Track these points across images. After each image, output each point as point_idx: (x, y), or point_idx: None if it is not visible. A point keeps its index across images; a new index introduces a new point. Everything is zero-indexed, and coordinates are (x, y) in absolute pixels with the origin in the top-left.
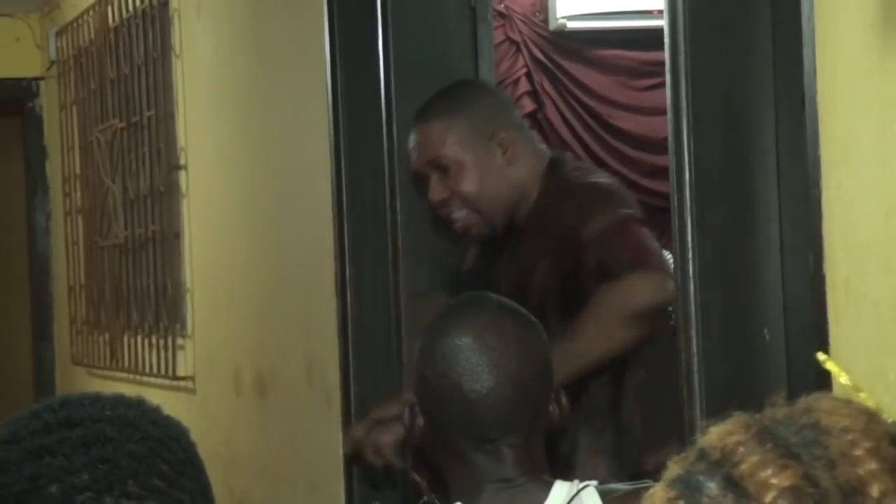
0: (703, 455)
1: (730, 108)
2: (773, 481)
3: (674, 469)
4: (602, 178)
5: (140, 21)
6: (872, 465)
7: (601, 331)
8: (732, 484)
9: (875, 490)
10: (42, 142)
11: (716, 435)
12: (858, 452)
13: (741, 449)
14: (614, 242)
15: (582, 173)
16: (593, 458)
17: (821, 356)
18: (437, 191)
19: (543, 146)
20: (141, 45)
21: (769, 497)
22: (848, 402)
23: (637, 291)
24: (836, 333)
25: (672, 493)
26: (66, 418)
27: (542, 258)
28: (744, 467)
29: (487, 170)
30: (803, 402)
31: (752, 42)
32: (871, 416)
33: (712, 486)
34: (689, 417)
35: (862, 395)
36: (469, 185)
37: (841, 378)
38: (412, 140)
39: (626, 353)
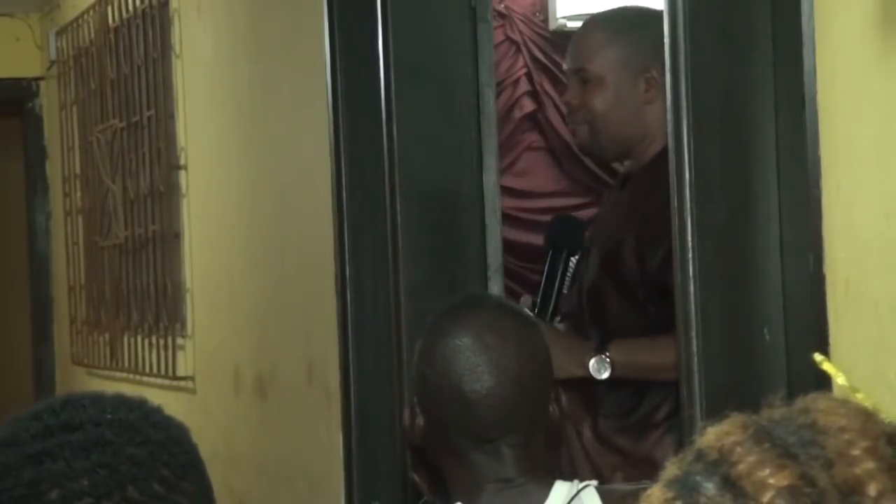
0: (700, 455)
1: (730, 108)
2: (771, 481)
3: (671, 469)
4: None
5: (140, 21)
6: (870, 465)
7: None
8: (730, 484)
9: (873, 489)
10: (42, 142)
11: (713, 435)
12: (856, 452)
13: (738, 449)
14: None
15: None
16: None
17: (818, 357)
18: (570, 94)
19: None
20: (141, 45)
21: (767, 497)
22: (845, 402)
23: None
24: (836, 333)
25: (669, 494)
26: (66, 421)
27: (629, 228)
28: (741, 467)
29: (623, 98)
30: (800, 402)
31: (752, 42)
32: (868, 416)
33: (710, 487)
34: (689, 417)
35: (859, 396)
36: (600, 103)
37: (838, 379)
38: (572, 39)
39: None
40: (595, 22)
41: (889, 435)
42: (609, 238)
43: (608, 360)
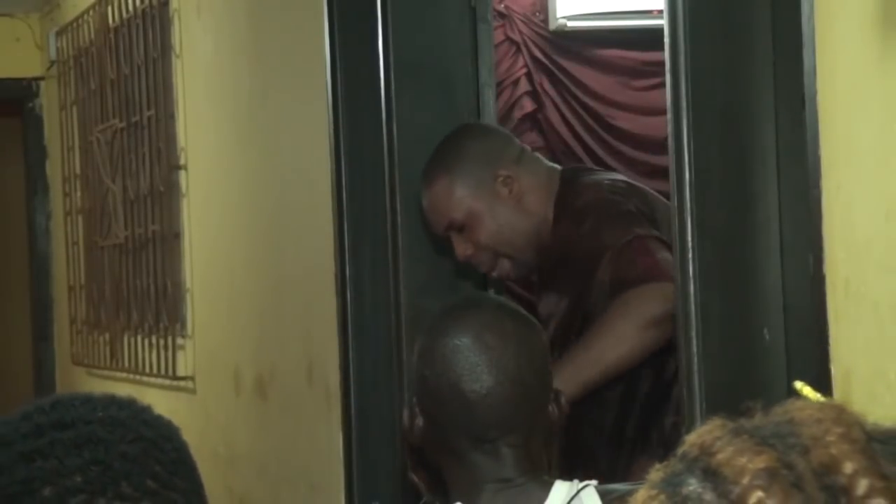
0: (682, 457)
1: (730, 108)
2: (749, 465)
3: (656, 475)
4: (618, 186)
5: (140, 21)
6: (844, 446)
7: (615, 338)
8: (710, 473)
9: (848, 468)
10: (42, 142)
11: (694, 436)
12: (831, 437)
13: (718, 442)
14: (627, 259)
15: (595, 188)
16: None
17: (797, 384)
18: (461, 249)
19: (551, 165)
20: (141, 45)
21: (746, 479)
22: (820, 402)
23: (650, 299)
24: (836, 333)
25: (653, 492)
26: (57, 420)
27: (565, 291)
28: (720, 456)
29: (499, 213)
30: (780, 406)
31: (752, 42)
32: (841, 409)
33: (692, 481)
34: (689, 417)
35: None
36: (487, 234)
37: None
38: (424, 205)
39: (641, 361)
40: (430, 175)
41: (862, 424)
42: (559, 290)
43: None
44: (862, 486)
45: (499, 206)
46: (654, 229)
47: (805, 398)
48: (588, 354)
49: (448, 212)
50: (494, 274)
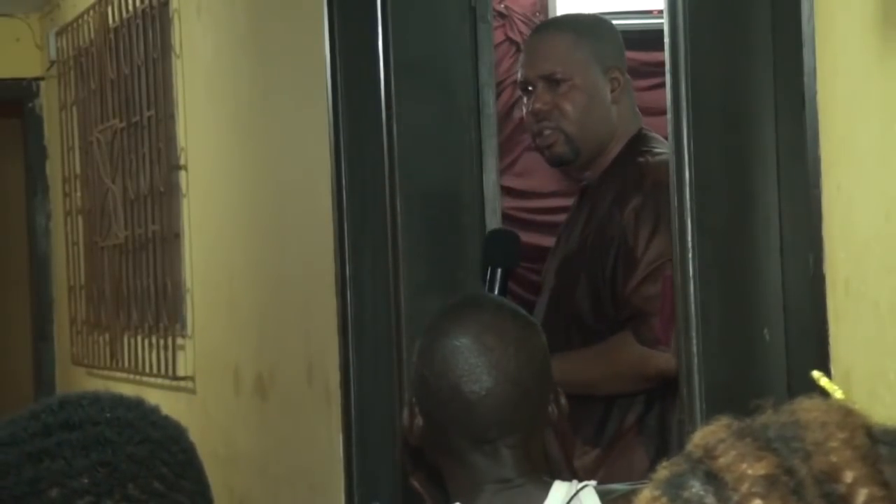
0: (686, 456)
1: (730, 108)
2: (749, 472)
3: (662, 473)
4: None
5: (140, 21)
6: (846, 454)
7: (601, 373)
8: (712, 478)
9: (848, 476)
10: (42, 142)
11: (699, 436)
12: (833, 443)
13: (721, 445)
14: (653, 293)
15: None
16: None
17: (815, 374)
18: (540, 101)
19: (639, 114)
20: (141, 45)
21: (745, 486)
22: (828, 401)
23: (651, 367)
24: (836, 333)
25: (657, 493)
26: (65, 420)
27: (589, 246)
28: (722, 461)
29: (595, 99)
30: (788, 405)
31: (752, 42)
32: (848, 411)
33: (695, 483)
34: (689, 417)
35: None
36: (576, 105)
37: (836, 394)
38: (530, 46)
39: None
40: (555, 26)
41: (867, 427)
42: (565, 272)
43: None
44: (861, 495)
45: (598, 95)
46: None
47: (822, 389)
48: (571, 367)
49: (558, 64)
50: (544, 140)
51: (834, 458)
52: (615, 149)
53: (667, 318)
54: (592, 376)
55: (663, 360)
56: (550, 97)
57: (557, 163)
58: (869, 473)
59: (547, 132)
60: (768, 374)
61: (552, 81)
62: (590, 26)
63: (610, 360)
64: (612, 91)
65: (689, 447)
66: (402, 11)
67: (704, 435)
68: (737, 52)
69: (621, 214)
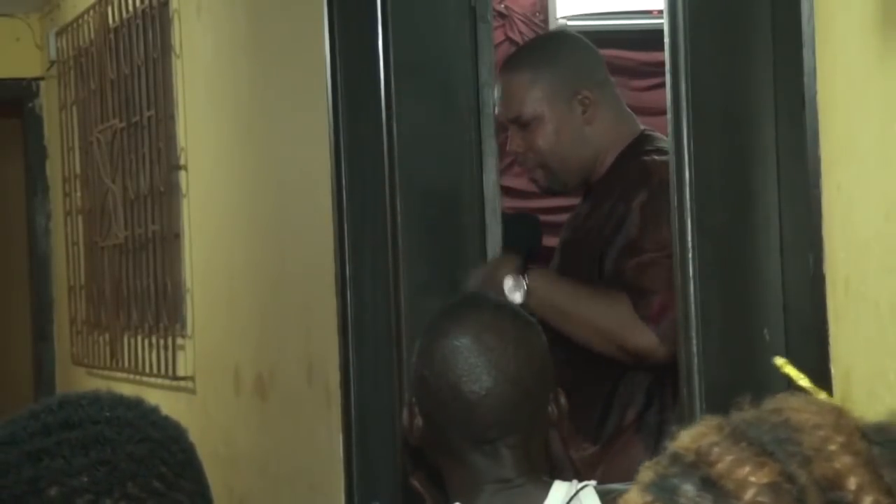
0: (676, 458)
1: (730, 108)
2: (752, 479)
3: (646, 474)
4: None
5: (140, 21)
6: (847, 459)
7: (585, 312)
8: (710, 484)
9: (853, 483)
10: (42, 142)
11: (688, 438)
12: (832, 448)
13: (716, 449)
14: (652, 276)
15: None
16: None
17: (778, 360)
18: (514, 143)
19: (629, 110)
20: (141, 45)
21: (749, 494)
22: (815, 400)
23: (632, 337)
24: (836, 333)
25: (648, 497)
26: (64, 420)
27: (592, 235)
28: (720, 466)
29: (564, 127)
30: (770, 402)
31: (752, 42)
32: (839, 413)
33: (689, 488)
34: (688, 417)
35: (822, 396)
36: (544, 141)
37: (801, 381)
38: (497, 90)
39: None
40: (512, 67)
41: (861, 430)
42: (567, 264)
43: (525, 283)
44: (867, 502)
45: (567, 122)
46: None
47: (786, 375)
48: (576, 300)
49: (519, 107)
50: (530, 177)
51: (836, 465)
52: (608, 159)
53: (665, 304)
54: (579, 311)
55: (646, 337)
56: (521, 138)
57: (550, 193)
58: (873, 479)
59: (531, 171)
60: (768, 374)
61: (520, 123)
62: (547, 56)
63: (600, 306)
64: (584, 112)
65: (677, 449)
66: (402, 11)
67: (694, 437)
68: (737, 52)
69: (627, 209)
